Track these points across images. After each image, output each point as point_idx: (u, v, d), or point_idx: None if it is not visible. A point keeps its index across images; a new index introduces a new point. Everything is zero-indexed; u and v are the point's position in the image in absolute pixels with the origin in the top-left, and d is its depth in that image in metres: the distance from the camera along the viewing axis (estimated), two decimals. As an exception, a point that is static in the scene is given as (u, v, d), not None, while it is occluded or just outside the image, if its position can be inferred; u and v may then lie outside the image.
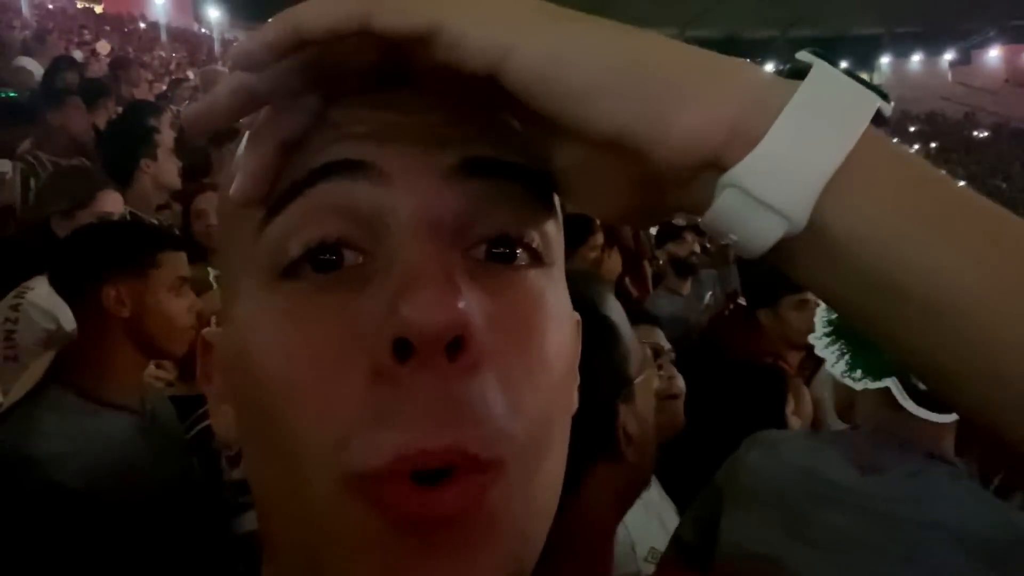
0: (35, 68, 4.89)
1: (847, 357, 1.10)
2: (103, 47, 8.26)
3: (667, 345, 1.40)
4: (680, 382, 0.97)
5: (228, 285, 0.34)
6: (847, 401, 1.19)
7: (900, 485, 1.03)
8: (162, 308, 1.38)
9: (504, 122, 0.33)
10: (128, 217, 2.46)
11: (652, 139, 0.27)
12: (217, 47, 23.63)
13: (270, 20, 0.28)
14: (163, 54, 18.98)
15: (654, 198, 0.31)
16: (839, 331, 1.12)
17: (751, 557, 1.09)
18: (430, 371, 0.27)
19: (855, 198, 0.27)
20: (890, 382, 1.04)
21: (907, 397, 1.04)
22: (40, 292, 1.86)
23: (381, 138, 0.30)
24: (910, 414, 1.06)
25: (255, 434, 0.32)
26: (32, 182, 2.86)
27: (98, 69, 6.13)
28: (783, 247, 0.28)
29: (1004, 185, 27.34)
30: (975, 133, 33.35)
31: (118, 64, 5.61)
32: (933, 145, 32.21)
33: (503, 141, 0.32)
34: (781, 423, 1.81)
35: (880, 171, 0.28)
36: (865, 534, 1.01)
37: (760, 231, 0.27)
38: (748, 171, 0.27)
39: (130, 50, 15.47)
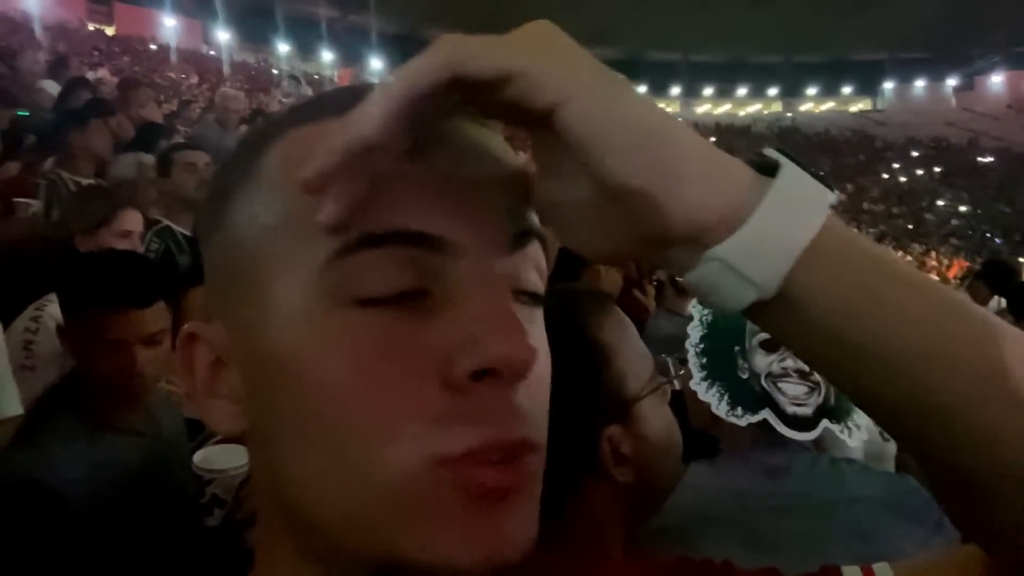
0: (54, 90, 4.98)
1: (726, 397, 1.18)
2: (104, 74, 8.35)
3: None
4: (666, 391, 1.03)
5: (244, 292, 0.38)
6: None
7: (809, 477, 1.12)
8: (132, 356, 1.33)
9: (516, 175, 0.39)
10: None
11: (659, 203, 0.33)
12: (226, 69, 23.89)
13: (375, 91, 0.32)
14: (173, 75, 19.21)
15: (636, 249, 0.36)
16: (712, 373, 1.20)
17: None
18: (502, 386, 0.35)
19: (814, 272, 0.34)
20: (765, 413, 1.15)
21: (781, 424, 1.14)
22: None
23: (456, 212, 0.36)
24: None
25: (301, 426, 0.36)
26: (54, 200, 2.92)
27: (108, 91, 6.22)
28: (755, 306, 0.35)
29: (1008, 210, 27.35)
30: (979, 159, 33.43)
31: (127, 85, 5.67)
32: (937, 170, 32.30)
33: (524, 198, 0.39)
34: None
35: (834, 251, 0.34)
36: (807, 527, 1.06)
37: (736, 295, 0.34)
38: (731, 250, 0.33)
39: (138, 71, 15.67)
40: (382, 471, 0.35)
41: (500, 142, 0.40)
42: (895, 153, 34.70)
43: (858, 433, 1.16)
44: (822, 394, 1.15)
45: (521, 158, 0.41)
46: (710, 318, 1.24)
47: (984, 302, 3.91)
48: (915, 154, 34.32)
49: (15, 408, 1.71)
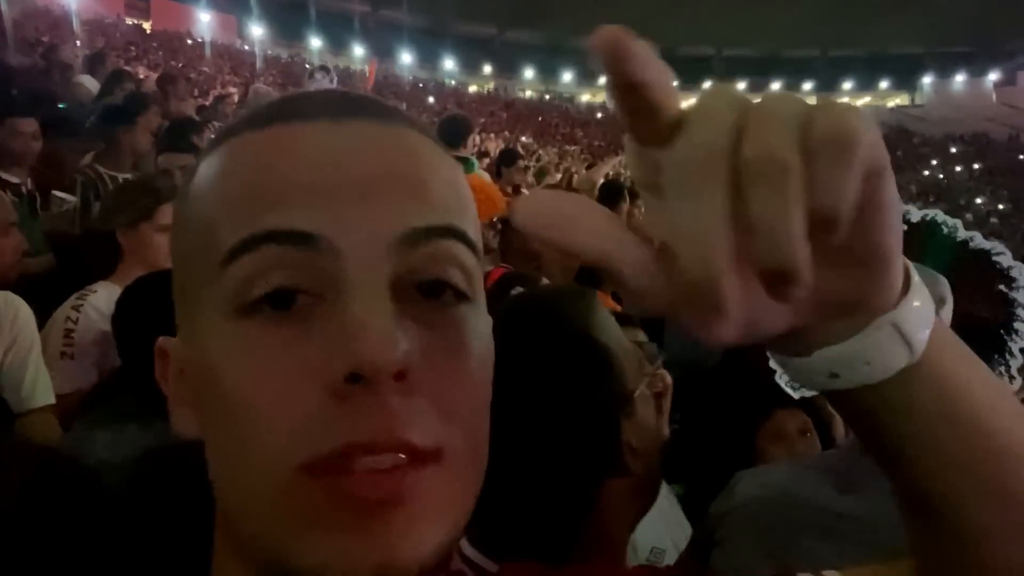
0: (92, 85, 5.07)
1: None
2: (142, 70, 8.48)
3: (645, 338, 1.40)
4: (667, 377, 0.95)
5: (188, 304, 0.40)
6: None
7: (879, 503, 1.02)
8: None
9: (427, 177, 0.38)
10: None
11: (890, 268, 0.34)
12: (260, 63, 24.18)
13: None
14: (207, 70, 19.49)
15: (805, 317, 0.34)
16: None
17: None
18: (376, 390, 0.34)
19: (939, 343, 0.36)
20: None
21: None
22: (101, 296, 1.95)
23: (335, 211, 0.36)
24: None
25: (217, 433, 0.38)
26: (91, 195, 2.98)
27: (148, 85, 6.33)
28: (888, 381, 0.35)
29: (1051, 208, 26.66)
30: (1020, 155, 32.62)
31: (166, 80, 5.77)
32: (977, 167, 31.60)
33: (430, 203, 0.38)
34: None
35: (945, 330, 0.38)
36: (841, 556, 0.99)
37: (890, 362, 0.35)
38: (902, 314, 0.34)
39: (173, 66, 15.91)
40: (264, 479, 0.35)
41: (408, 142, 0.39)
42: (933, 149, 34.01)
43: None
44: None
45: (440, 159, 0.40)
46: None
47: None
48: (954, 150, 33.61)
49: (47, 398, 1.76)
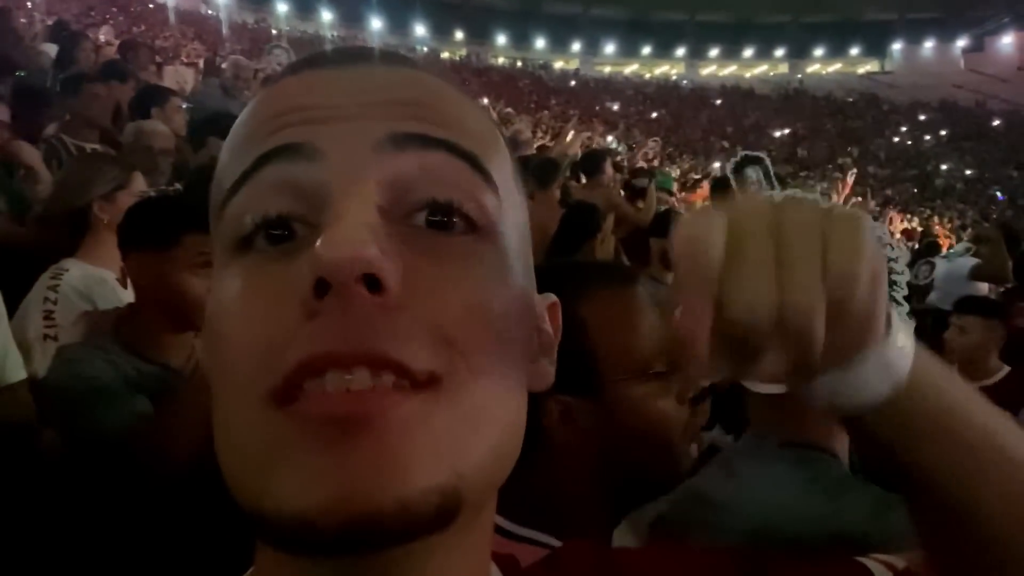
0: (52, 51, 4.91)
1: None
2: (107, 33, 8.19)
3: None
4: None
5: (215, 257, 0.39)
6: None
7: (745, 486, 1.06)
8: (180, 284, 1.46)
9: (432, 103, 0.37)
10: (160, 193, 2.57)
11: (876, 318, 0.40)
12: (225, 30, 23.57)
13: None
14: (171, 36, 18.94)
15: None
16: None
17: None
18: (351, 304, 0.31)
19: (924, 371, 0.42)
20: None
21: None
22: (74, 275, 1.93)
23: (317, 120, 0.35)
24: (759, 398, 1.10)
25: (212, 376, 0.36)
26: (55, 164, 2.91)
27: (109, 53, 6.14)
28: (883, 406, 0.41)
29: (1016, 174, 27.14)
30: (987, 122, 33.05)
31: (127, 48, 5.59)
32: (944, 133, 31.96)
33: (429, 121, 0.36)
34: None
35: (924, 355, 0.42)
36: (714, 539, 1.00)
37: (878, 389, 0.40)
38: (886, 350, 0.40)
39: (138, 30, 15.44)
40: (233, 417, 0.33)
41: (417, 77, 0.39)
42: (902, 116, 34.31)
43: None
44: None
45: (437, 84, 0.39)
46: None
47: (1004, 270, 3.88)
48: (922, 117, 33.94)
49: (19, 374, 1.73)
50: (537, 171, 3.51)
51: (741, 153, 4.66)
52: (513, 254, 0.38)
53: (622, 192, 4.34)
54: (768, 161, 4.41)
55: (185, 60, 8.70)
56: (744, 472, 1.10)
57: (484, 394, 0.34)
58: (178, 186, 2.75)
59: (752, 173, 4.18)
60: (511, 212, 0.39)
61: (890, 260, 1.10)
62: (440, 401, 0.32)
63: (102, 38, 7.65)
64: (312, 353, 0.31)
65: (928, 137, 31.94)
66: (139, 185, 2.07)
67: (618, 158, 7.33)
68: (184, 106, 3.91)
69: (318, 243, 0.30)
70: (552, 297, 0.45)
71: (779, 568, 0.52)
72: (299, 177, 0.34)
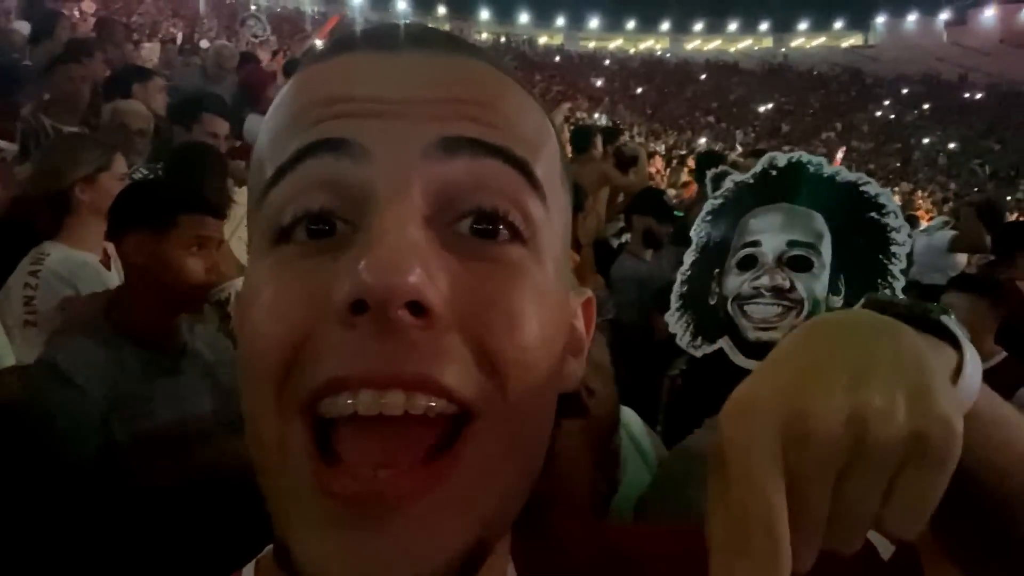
0: (26, 30, 4.80)
1: (691, 328, 1.13)
2: (88, 6, 8.02)
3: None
4: None
5: (250, 244, 0.38)
6: None
7: None
8: (177, 264, 1.46)
9: (488, 100, 0.36)
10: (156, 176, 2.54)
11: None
12: (203, 7, 23.15)
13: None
14: (147, 12, 18.60)
15: None
16: (687, 302, 1.14)
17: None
18: (391, 326, 0.30)
19: (987, 398, 0.35)
20: (723, 342, 1.08)
21: (738, 353, 1.06)
22: (55, 259, 1.90)
23: (365, 116, 0.33)
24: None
25: (240, 360, 0.35)
26: (31, 144, 2.86)
27: (85, 29, 6.01)
28: None
29: (998, 147, 27.32)
30: (969, 95, 33.19)
31: (103, 26, 5.48)
32: (927, 107, 32.09)
33: (483, 123, 0.34)
34: None
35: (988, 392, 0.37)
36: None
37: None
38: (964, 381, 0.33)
39: (112, 9, 15.14)
40: (255, 424, 0.33)
41: (469, 68, 0.37)
42: (885, 90, 34.39)
43: None
44: (803, 313, 1.05)
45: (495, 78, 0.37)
46: (704, 239, 1.18)
47: (981, 240, 3.90)
48: (905, 90, 34.03)
49: (7, 360, 1.72)
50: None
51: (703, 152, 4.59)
52: (555, 262, 0.37)
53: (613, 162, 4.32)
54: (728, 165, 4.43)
55: (162, 38, 8.55)
56: None
57: (521, 418, 0.34)
58: (157, 166, 2.71)
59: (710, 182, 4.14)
60: (556, 217, 0.38)
61: (891, 230, 1.09)
62: (472, 441, 0.32)
63: (77, 13, 7.50)
64: (349, 373, 0.30)
65: (910, 109, 32.06)
66: (121, 167, 2.04)
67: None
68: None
69: (361, 264, 0.29)
70: (587, 293, 0.43)
71: None
72: (343, 175, 0.33)
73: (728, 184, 1.16)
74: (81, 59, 3.40)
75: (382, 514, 0.30)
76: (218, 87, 4.50)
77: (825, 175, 1.10)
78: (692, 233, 1.23)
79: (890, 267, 1.07)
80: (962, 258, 4.31)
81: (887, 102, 33.01)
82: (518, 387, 0.33)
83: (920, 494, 0.29)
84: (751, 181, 1.13)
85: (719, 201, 1.16)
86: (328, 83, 0.35)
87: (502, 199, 0.34)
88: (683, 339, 1.14)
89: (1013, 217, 7.93)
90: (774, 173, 1.12)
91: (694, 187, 5.21)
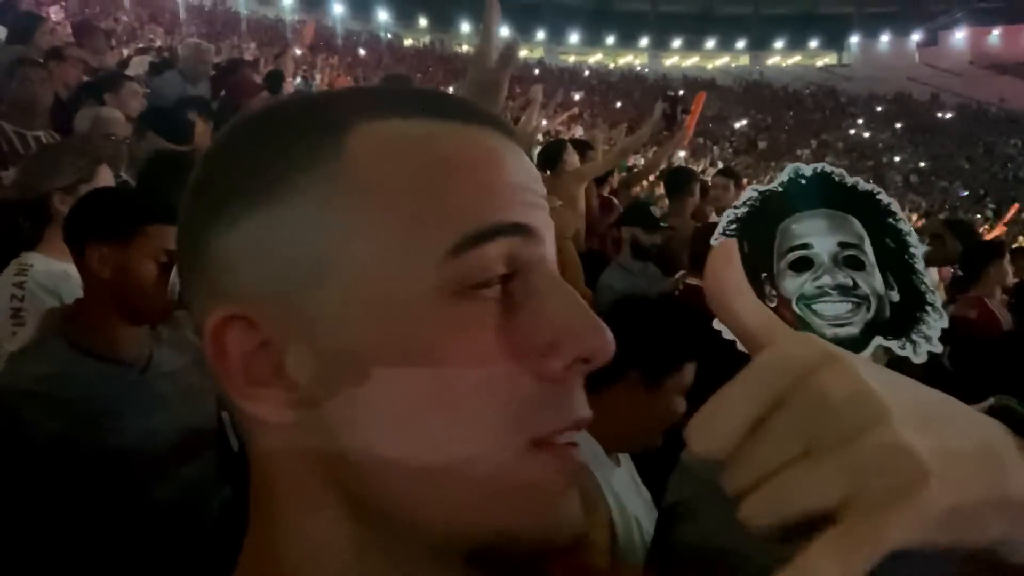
0: (3, 35, 4.72)
1: None
2: (55, 11, 7.90)
3: None
4: None
5: (321, 273, 0.38)
6: None
7: None
8: (141, 275, 1.43)
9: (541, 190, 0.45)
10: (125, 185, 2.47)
11: None
12: (182, 12, 22.99)
13: None
14: (126, 18, 18.44)
15: None
16: None
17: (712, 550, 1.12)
18: (577, 371, 0.40)
19: None
20: None
21: None
22: (40, 269, 1.87)
23: (536, 209, 0.43)
24: None
25: (401, 419, 0.38)
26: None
27: (61, 34, 5.95)
28: None
29: (967, 166, 27.88)
30: (940, 114, 33.87)
31: (82, 31, 5.43)
32: (899, 125, 32.67)
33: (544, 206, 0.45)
34: None
35: None
36: None
37: None
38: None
39: (92, 12, 14.98)
40: (487, 458, 0.38)
41: (520, 155, 0.45)
42: (858, 108, 34.97)
43: (925, 346, 1.02)
44: (872, 308, 1.05)
45: None
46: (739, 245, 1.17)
47: (954, 253, 3.97)
48: (878, 109, 34.63)
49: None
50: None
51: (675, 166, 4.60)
52: None
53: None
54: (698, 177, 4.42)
55: (140, 46, 8.47)
56: None
57: None
58: (124, 176, 2.65)
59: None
60: None
61: (906, 234, 1.11)
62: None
63: (53, 17, 7.43)
64: (568, 422, 0.40)
65: (883, 128, 32.62)
66: (105, 179, 1.99)
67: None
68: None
69: (582, 327, 0.40)
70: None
71: None
72: (525, 251, 0.41)
73: (751, 194, 1.18)
74: (48, 63, 3.34)
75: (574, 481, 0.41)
76: (197, 87, 4.45)
77: (848, 184, 1.13)
78: (713, 242, 1.22)
79: (916, 266, 1.09)
80: (934, 273, 4.39)
81: (860, 120, 33.57)
82: None
83: (801, 490, 0.28)
84: (780, 189, 1.15)
85: (744, 210, 1.17)
86: (477, 157, 0.42)
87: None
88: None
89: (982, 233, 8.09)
90: (803, 182, 1.15)
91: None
